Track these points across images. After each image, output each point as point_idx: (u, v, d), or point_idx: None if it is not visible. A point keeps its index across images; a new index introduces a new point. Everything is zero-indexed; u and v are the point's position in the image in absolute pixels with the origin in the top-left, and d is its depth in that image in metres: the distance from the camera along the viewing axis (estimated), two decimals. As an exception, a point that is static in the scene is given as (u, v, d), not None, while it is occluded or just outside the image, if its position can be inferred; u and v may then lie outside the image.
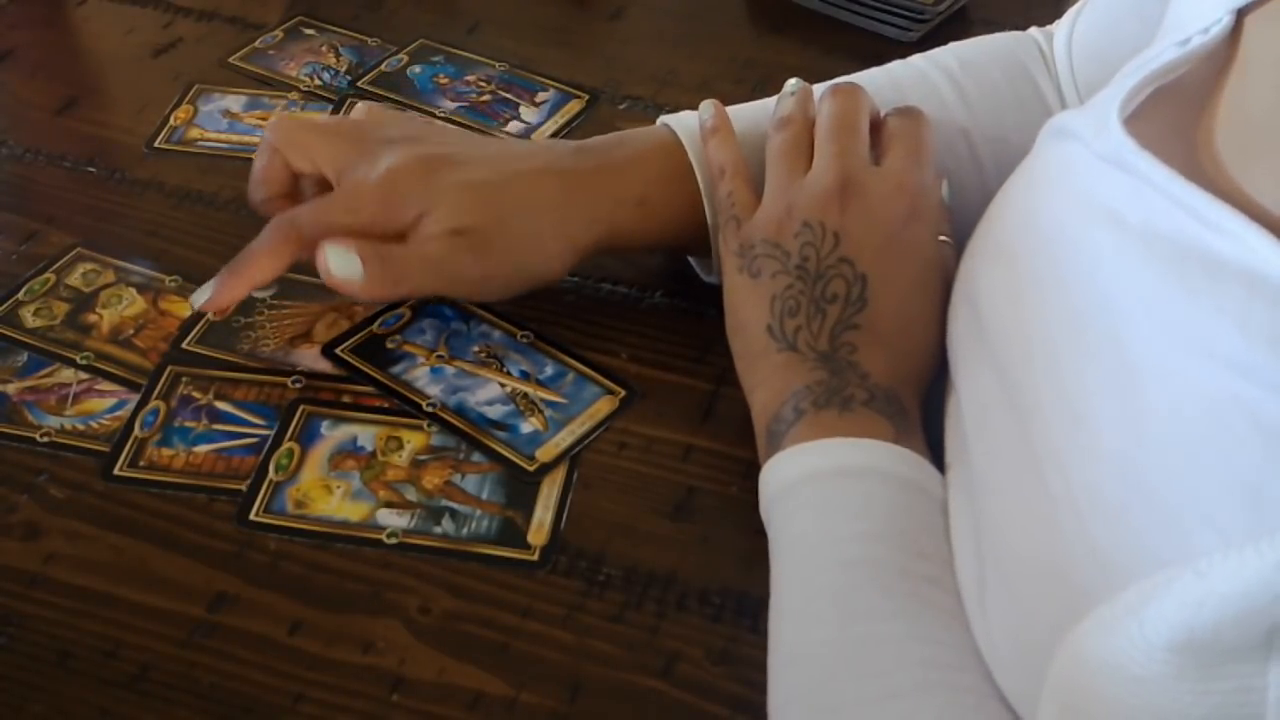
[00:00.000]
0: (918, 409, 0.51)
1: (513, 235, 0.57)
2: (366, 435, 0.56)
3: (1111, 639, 0.33)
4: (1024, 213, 0.48)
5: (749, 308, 0.54)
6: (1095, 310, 0.41)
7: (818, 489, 0.48)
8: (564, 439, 0.56)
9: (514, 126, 0.74)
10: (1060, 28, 0.66)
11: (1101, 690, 0.34)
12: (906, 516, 0.46)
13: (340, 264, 0.55)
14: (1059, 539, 0.39)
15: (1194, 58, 0.44)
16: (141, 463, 0.54)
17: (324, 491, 0.53)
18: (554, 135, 0.73)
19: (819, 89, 0.60)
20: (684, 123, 0.60)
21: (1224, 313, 0.36)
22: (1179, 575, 0.32)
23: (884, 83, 0.63)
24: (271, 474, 0.54)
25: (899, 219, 0.53)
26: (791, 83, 0.60)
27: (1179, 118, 0.43)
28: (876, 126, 0.57)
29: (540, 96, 0.76)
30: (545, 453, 0.55)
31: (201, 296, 0.56)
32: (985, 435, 0.45)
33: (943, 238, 0.55)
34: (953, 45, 0.67)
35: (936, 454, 0.49)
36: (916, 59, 0.65)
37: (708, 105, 0.60)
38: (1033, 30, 0.69)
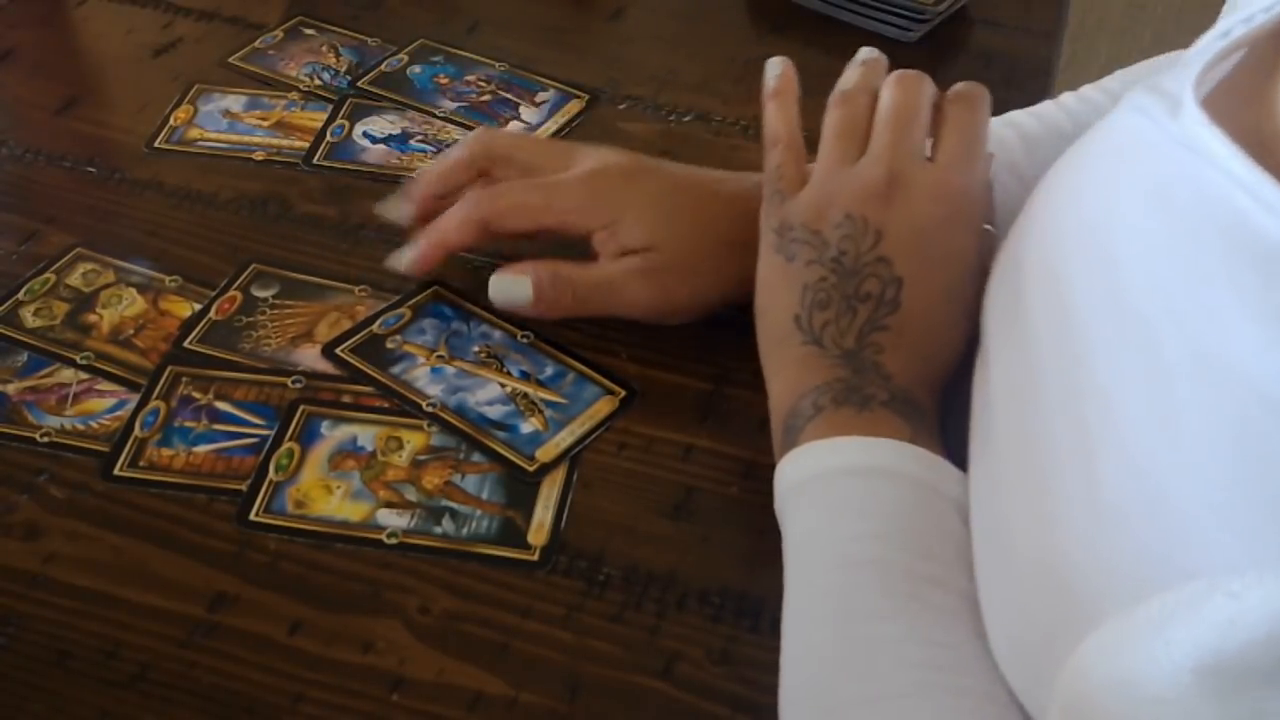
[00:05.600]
0: (935, 410, 0.51)
1: (701, 254, 0.58)
2: (366, 435, 0.56)
3: (1129, 655, 0.33)
4: (1077, 190, 0.46)
5: (779, 291, 0.53)
6: (1135, 298, 0.40)
7: (827, 487, 0.48)
8: (564, 439, 0.56)
9: (514, 126, 0.74)
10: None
11: (1114, 706, 0.33)
12: (914, 516, 0.46)
13: (506, 289, 0.59)
14: (1071, 536, 0.38)
15: (1257, 35, 0.43)
16: (141, 463, 0.54)
17: (324, 491, 0.53)
18: (554, 135, 0.73)
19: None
20: None
21: (1270, 315, 0.35)
22: (1207, 595, 0.31)
23: (1062, 119, 0.62)
24: (271, 474, 0.54)
25: (942, 222, 0.53)
26: (864, 51, 0.59)
27: (1242, 96, 0.42)
28: (936, 108, 0.56)
29: (540, 96, 0.76)
30: (545, 453, 0.55)
31: (402, 259, 0.61)
32: (1015, 420, 0.44)
33: (986, 226, 0.54)
34: (1120, 73, 0.65)
35: (960, 455, 0.49)
36: (1089, 90, 0.64)
37: (776, 63, 0.58)
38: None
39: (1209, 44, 0.45)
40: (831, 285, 0.52)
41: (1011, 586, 0.41)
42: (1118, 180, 0.44)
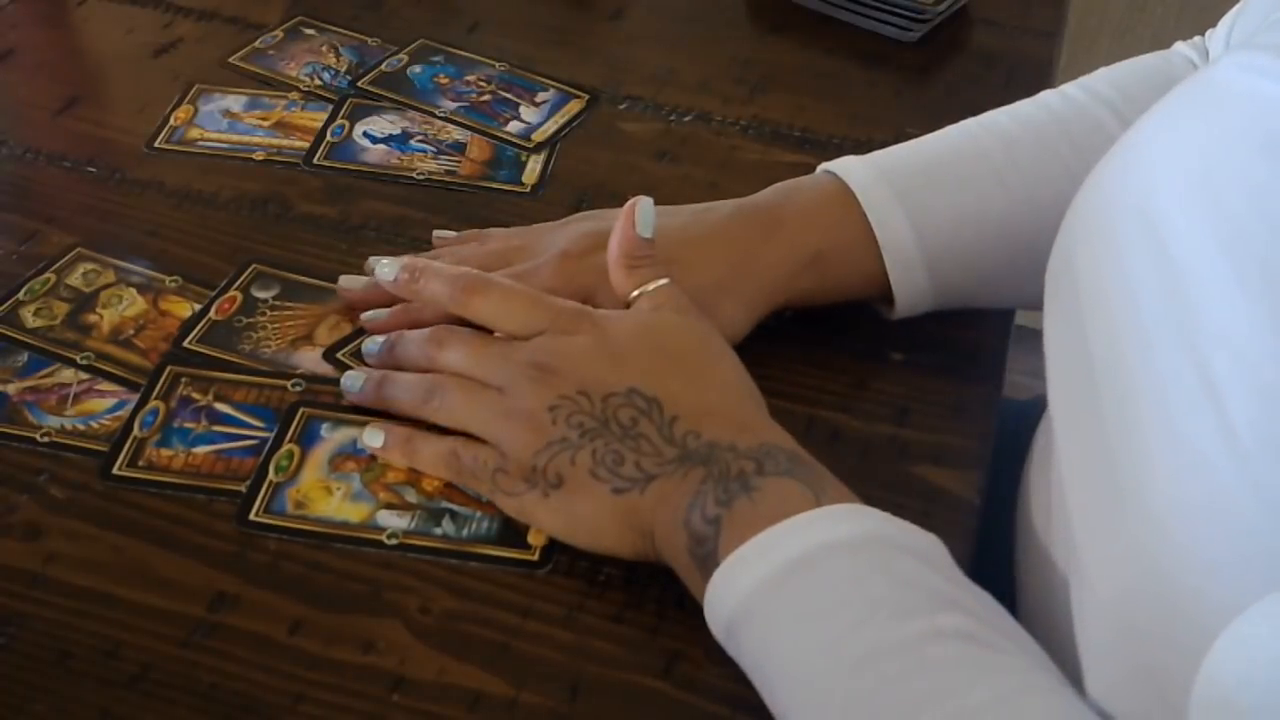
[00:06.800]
0: (793, 440, 0.49)
1: None
2: (366, 435, 0.56)
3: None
4: (1178, 145, 0.44)
5: (584, 506, 0.50)
6: (1253, 243, 0.39)
7: (775, 599, 0.44)
8: (564, 439, 0.56)
9: (514, 126, 0.74)
10: (1217, 34, 0.64)
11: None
12: (877, 583, 0.44)
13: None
14: (1208, 477, 0.36)
15: None
16: (140, 463, 0.54)
17: (324, 493, 0.53)
18: (554, 135, 0.73)
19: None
20: (849, 169, 0.59)
21: None
22: None
23: (1045, 121, 0.61)
24: (271, 475, 0.54)
25: (603, 339, 0.52)
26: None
27: None
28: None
29: (540, 96, 0.76)
30: (545, 453, 0.55)
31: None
32: (1117, 366, 0.42)
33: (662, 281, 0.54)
34: (1104, 73, 0.64)
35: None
36: (1071, 89, 0.63)
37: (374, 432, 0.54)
38: (1179, 46, 0.67)
39: None
40: (604, 447, 0.49)
41: (1135, 532, 0.39)
42: (1226, 133, 0.43)
